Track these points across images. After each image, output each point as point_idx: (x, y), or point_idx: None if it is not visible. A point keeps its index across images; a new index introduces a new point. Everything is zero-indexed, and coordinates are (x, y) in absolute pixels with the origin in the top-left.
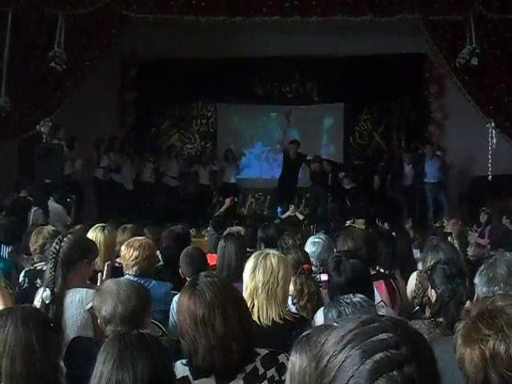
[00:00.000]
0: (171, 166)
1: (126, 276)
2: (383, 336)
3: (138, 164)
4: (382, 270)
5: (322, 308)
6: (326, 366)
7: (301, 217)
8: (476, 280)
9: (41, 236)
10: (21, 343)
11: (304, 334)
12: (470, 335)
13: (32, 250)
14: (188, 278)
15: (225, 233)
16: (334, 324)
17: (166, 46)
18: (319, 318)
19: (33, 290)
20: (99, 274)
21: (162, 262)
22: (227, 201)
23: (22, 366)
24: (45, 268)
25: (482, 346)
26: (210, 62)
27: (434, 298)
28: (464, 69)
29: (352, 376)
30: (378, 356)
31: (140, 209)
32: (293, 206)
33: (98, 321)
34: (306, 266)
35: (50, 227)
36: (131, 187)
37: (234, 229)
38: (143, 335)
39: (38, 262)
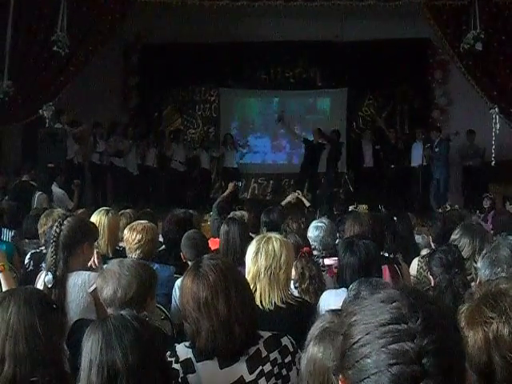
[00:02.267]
0: (178, 150)
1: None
2: (408, 345)
3: (143, 149)
4: (386, 255)
5: (327, 291)
6: (348, 349)
7: (307, 203)
8: (479, 264)
9: (50, 219)
10: (24, 324)
11: (327, 325)
12: (473, 317)
13: (40, 232)
14: (189, 262)
15: (227, 217)
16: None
17: (169, 30)
18: (325, 301)
19: (38, 272)
20: (91, 261)
21: (163, 246)
22: (230, 185)
23: (25, 347)
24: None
25: (486, 329)
26: (213, 46)
27: (432, 283)
28: (468, 54)
29: (368, 377)
30: (399, 368)
31: (144, 194)
32: (295, 193)
33: (101, 301)
34: (305, 249)
35: (59, 210)
36: (136, 172)
37: (238, 213)
38: (123, 316)
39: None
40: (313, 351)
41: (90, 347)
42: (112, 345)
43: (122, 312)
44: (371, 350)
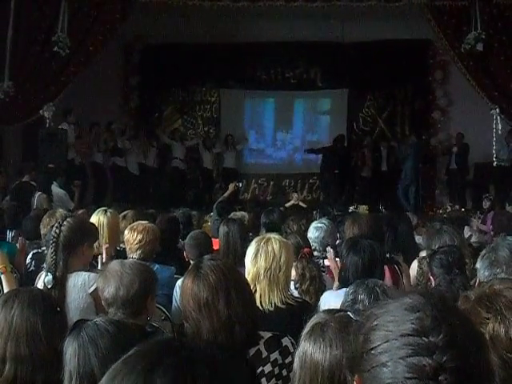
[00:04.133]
0: (178, 149)
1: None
2: (426, 361)
3: (143, 149)
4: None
5: (327, 291)
6: (366, 352)
7: (303, 205)
8: (478, 265)
9: (54, 219)
10: (26, 326)
11: (318, 320)
12: None
13: (43, 232)
14: (192, 261)
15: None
16: (348, 313)
17: (169, 30)
18: (325, 301)
19: (39, 272)
20: (99, 256)
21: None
22: (231, 186)
23: (26, 349)
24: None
25: (482, 329)
26: (213, 47)
27: (433, 284)
28: (469, 54)
29: None
30: (415, 382)
31: (145, 194)
32: (296, 195)
33: (102, 301)
34: (306, 249)
35: (62, 210)
36: (137, 172)
37: (238, 214)
38: (97, 323)
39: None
40: (304, 346)
41: (69, 359)
42: (88, 354)
43: (97, 319)
44: (389, 359)
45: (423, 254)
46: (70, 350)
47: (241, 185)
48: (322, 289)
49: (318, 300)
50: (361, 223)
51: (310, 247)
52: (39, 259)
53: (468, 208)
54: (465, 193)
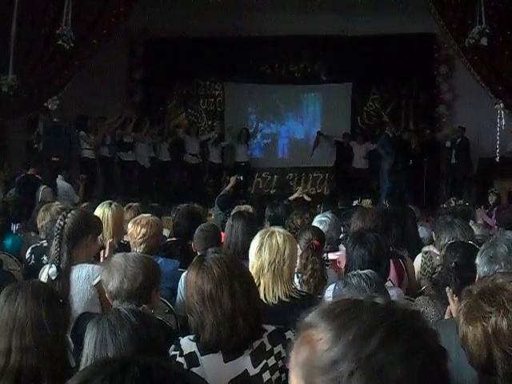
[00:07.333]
0: (191, 143)
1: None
2: None
3: (154, 142)
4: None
5: (332, 284)
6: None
7: (308, 199)
8: (477, 260)
9: (49, 213)
10: (31, 317)
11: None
12: (471, 313)
13: (39, 226)
14: (199, 253)
15: (233, 211)
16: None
17: (173, 24)
18: (328, 294)
19: (39, 266)
20: (102, 251)
21: (173, 238)
22: (232, 179)
23: (32, 340)
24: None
25: (485, 323)
26: (218, 40)
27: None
28: (473, 49)
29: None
30: None
31: (153, 187)
32: (300, 188)
33: (106, 294)
34: (315, 242)
35: (57, 204)
36: (148, 165)
37: (242, 207)
38: (120, 311)
39: (44, 239)
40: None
41: (88, 343)
42: (106, 341)
43: (120, 307)
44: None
45: (426, 249)
46: (90, 333)
47: (242, 178)
48: (322, 283)
49: (316, 293)
50: (365, 217)
51: (322, 241)
52: (38, 253)
53: (472, 203)
54: (463, 187)
